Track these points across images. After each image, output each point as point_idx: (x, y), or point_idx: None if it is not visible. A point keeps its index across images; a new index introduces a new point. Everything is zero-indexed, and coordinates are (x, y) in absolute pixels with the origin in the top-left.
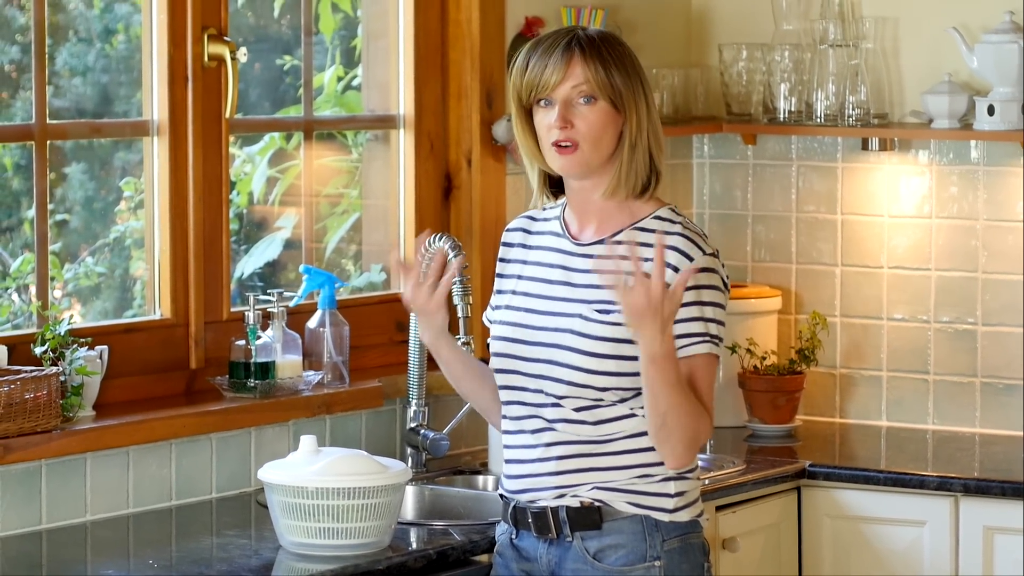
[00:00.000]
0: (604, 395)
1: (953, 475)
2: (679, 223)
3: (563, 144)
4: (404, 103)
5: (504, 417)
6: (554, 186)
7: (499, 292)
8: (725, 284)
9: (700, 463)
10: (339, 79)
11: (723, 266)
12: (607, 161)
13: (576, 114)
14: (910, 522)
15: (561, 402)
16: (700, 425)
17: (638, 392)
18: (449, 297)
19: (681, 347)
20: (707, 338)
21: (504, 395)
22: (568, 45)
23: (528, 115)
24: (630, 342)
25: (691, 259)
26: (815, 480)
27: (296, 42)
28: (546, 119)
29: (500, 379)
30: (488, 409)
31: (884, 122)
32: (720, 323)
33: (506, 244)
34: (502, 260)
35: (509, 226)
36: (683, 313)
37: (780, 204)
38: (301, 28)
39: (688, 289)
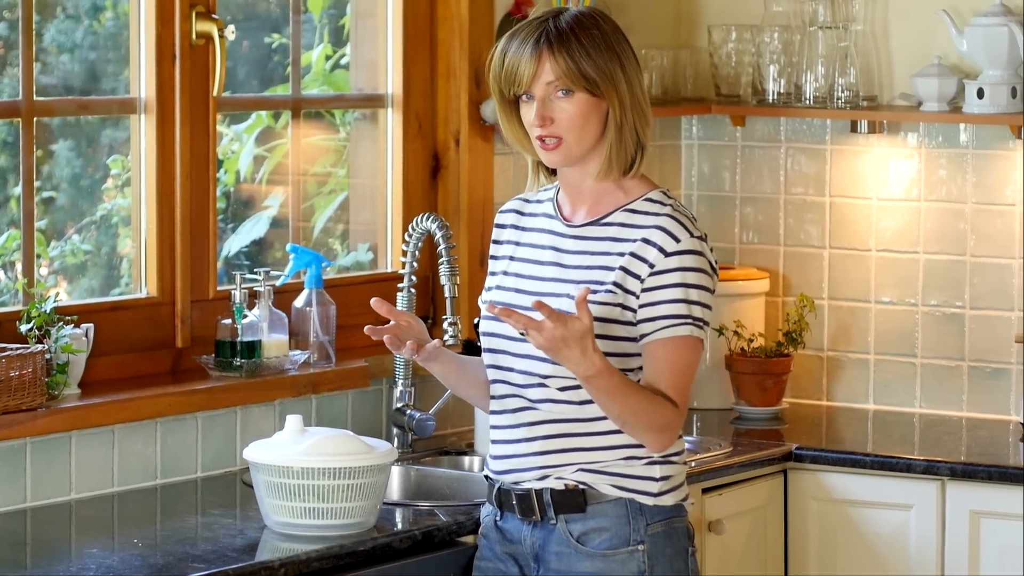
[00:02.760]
0: None
1: (940, 459)
2: (669, 205)
3: (547, 140)
4: (392, 82)
5: (492, 397)
6: (549, 169)
7: (492, 274)
8: (713, 268)
9: (687, 445)
10: (327, 58)
11: (711, 250)
12: (595, 145)
13: (555, 109)
14: (896, 506)
15: (546, 381)
16: (664, 413)
17: (626, 373)
18: (436, 277)
19: (662, 328)
20: (689, 320)
21: (491, 374)
22: (537, 41)
23: (512, 106)
24: (616, 322)
25: (677, 240)
26: (802, 463)
27: (284, 20)
28: (528, 114)
29: (487, 358)
30: (484, 403)
31: (873, 105)
32: (705, 306)
33: (499, 226)
34: (495, 242)
35: (502, 208)
36: (666, 295)
37: (768, 186)
38: (289, 6)
39: (671, 271)
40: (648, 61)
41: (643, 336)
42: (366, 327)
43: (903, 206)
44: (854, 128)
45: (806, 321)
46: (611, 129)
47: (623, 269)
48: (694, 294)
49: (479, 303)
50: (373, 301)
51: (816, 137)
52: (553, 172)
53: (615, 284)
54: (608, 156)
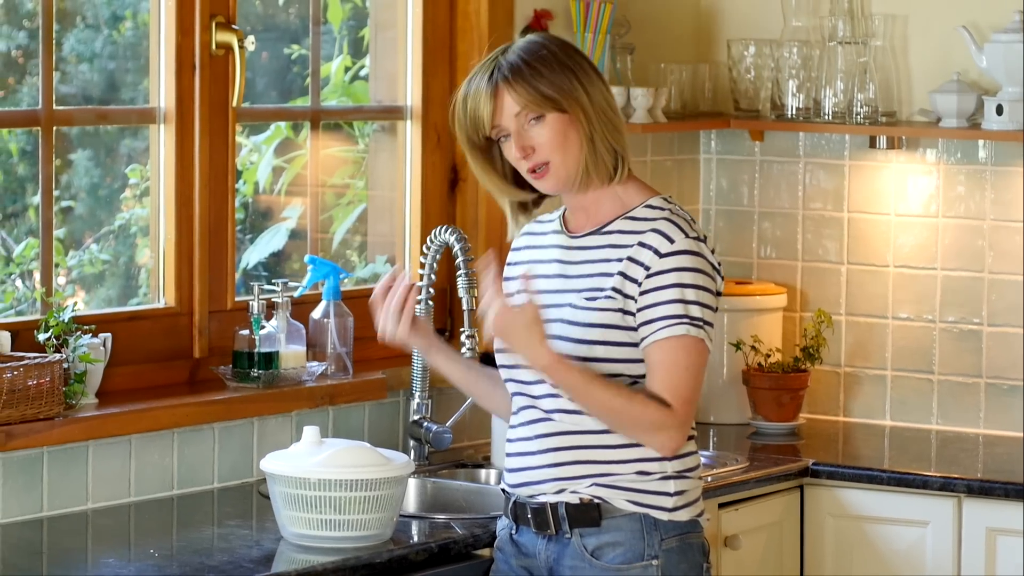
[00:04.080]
0: None
1: (956, 476)
2: (667, 209)
3: (535, 169)
4: (412, 94)
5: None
6: (526, 211)
7: (507, 295)
8: (715, 268)
9: (704, 460)
10: (347, 69)
11: (712, 252)
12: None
13: (531, 137)
14: (913, 522)
15: (557, 391)
16: (648, 413)
17: (633, 380)
18: (454, 290)
19: (658, 329)
20: (686, 320)
21: (509, 387)
22: (491, 78)
23: (482, 151)
24: (618, 327)
25: (672, 241)
26: (818, 479)
27: (304, 31)
28: (510, 152)
29: (504, 373)
30: (501, 410)
31: (892, 120)
32: (705, 306)
33: (515, 249)
34: (510, 264)
35: (517, 236)
36: (661, 296)
37: (787, 201)
38: (309, 17)
39: (667, 272)
40: (667, 75)
41: (643, 340)
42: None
43: (921, 222)
44: (873, 144)
45: (823, 337)
46: (583, 141)
47: (621, 274)
48: (690, 294)
49: None
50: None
51: (835, 152)
52: (530, 212)
53: (614, 289)
54: (584, 168)
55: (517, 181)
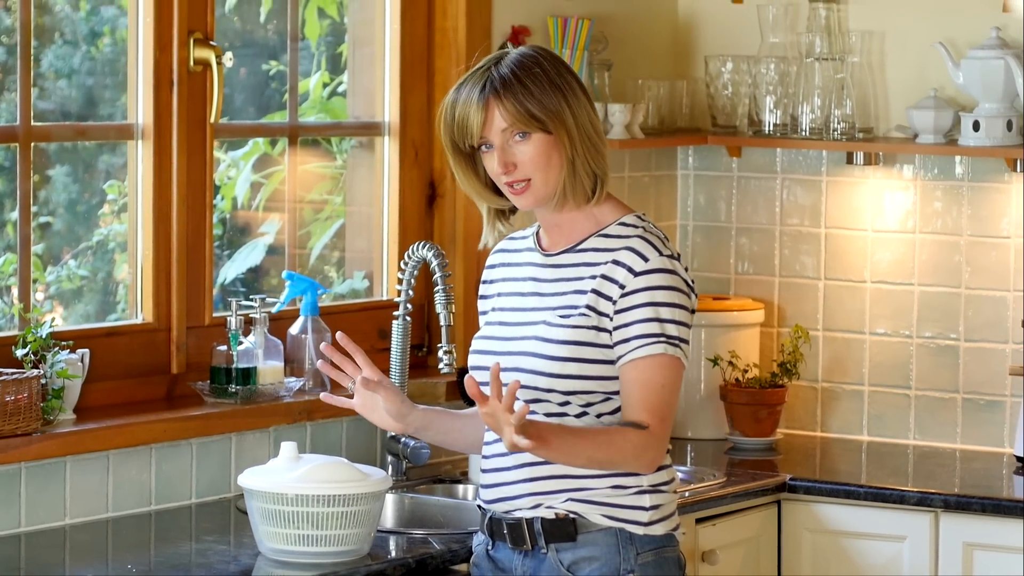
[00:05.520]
0: (571, 399)
1: (933, 491)
2: (640, 227)
3: (514, 185)
4: (389, 110)
5: (487, 429)
6: (505, 218)
7: (482, 313)
8: (688, 285)
9: (680, 476)
10: (324, 85)
11: (686, 269)
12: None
13: (514, 154)
14: (890, 537)
15: (534, 407)
16: (628, 441)
17: (605, 397)
18: (431, 306)
19: (634, 348)
20: (663, 339)
21: None
22: (483, 90)
23: (465, 156)
24: (591, 344)
25: (646, 259)
26: (795, 494)
27: (282, 47)
28: (491, 164)
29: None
30: (476, 444)
31: (869, 136)
32: (681, 324)
33: (489, 267)
34: (484, 282)
35: (492, 253)
36: (636, 315)
37: (764, 217)
38: (287, 34)
39: (641, 291)
40: (644, 91)
41: (619, 359)
42: (322, 395)
43: (898, 238)
44: (850, 160)
45: (801, 352)
46: (564, 163)
47: (595, 292)
48: (665, 312)
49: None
50: (339, 335)
51: (812, 168)
52: (508, 219)
53: (587, 307)
54: (562, 189)
55: (496, 189)
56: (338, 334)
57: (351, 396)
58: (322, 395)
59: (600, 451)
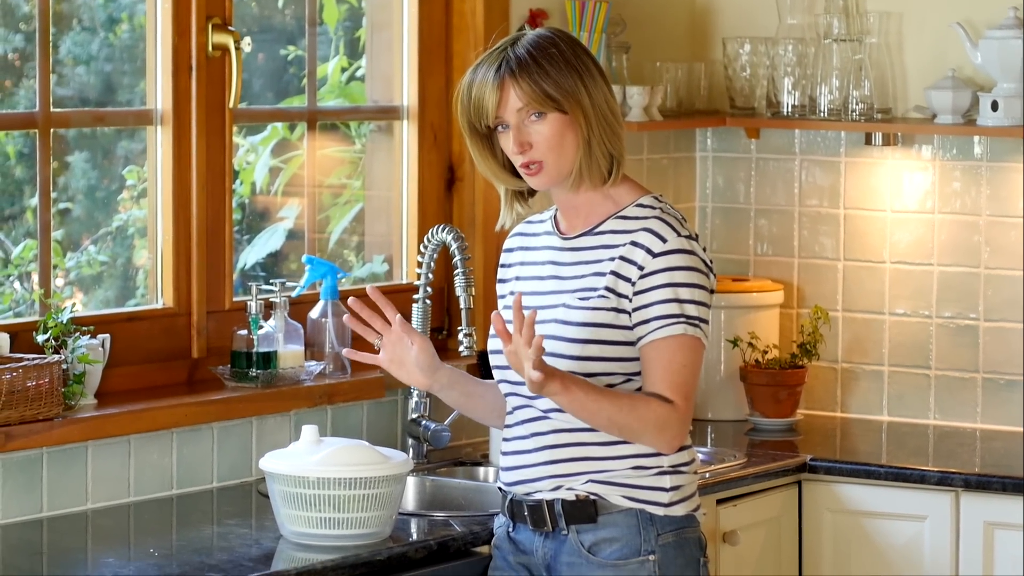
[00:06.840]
0: (592, 381)
1: (954, 470)
2: (658, 208)
3: (529, 165)
4: (408, 94)
5: (508, 412)
6: (523, 199)
7: (501, 297)
8: (707, 265)
9: (701, 456)
10: (343, 70)
11: (704, 249)
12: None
13: (531, 133)
14: (911, 517)
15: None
16: (652, 411)
17: (626, 378)
18: (451, 289)
19: (655, 329)
20: (682, 319)
21: (503, 388)
22: (499, 70)
23: (483, 138)
24: (611, 326)
25: (664, 240)
26: (816, 474)
27: (300, 32)
28: (507, 144)
29: (497, 374)
30: (497, 418)
31: (888, 117)
32: (700, 304)
33: (507, 250)
34: (503, 266)
35: (510, 235)
36: (657, 296)
37: (783, 198)
38: (305, 18)
39: (660, 272)
40: (663, 74)
41: (640, 340)
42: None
43: (917, 218)
44: (868, 140)
45: (820, 333)
46: (580, 144)
47: (614, 273)
48: (684, 292)
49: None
50: (369, 289)
51: (830, 149)
52: (526, 200)
53: (607, 288)
54: (578, 169)
55: (514, 170)
56: (368, 288)
57: (376, 352)
58: (345, 351)
59: (622, 415)
